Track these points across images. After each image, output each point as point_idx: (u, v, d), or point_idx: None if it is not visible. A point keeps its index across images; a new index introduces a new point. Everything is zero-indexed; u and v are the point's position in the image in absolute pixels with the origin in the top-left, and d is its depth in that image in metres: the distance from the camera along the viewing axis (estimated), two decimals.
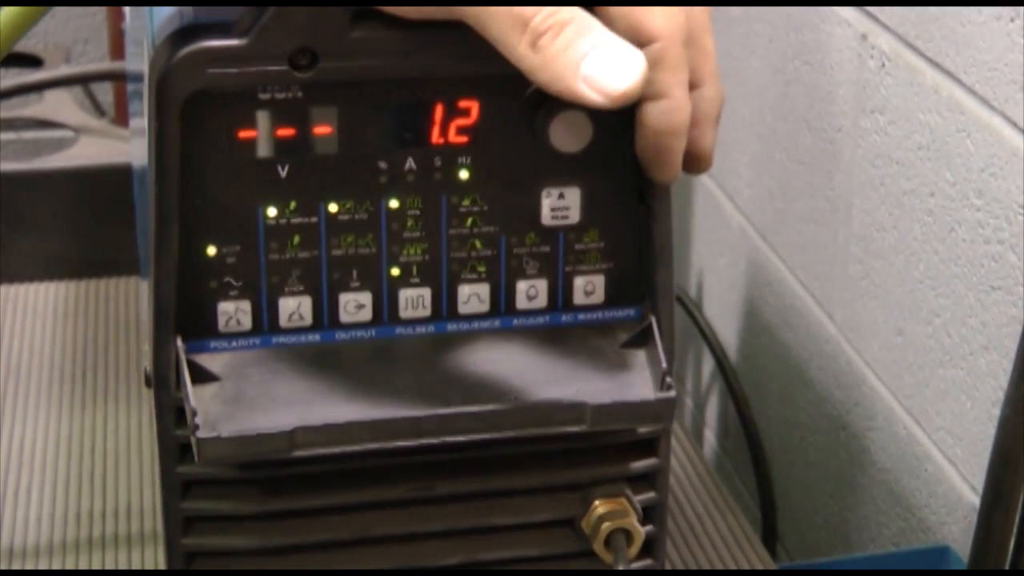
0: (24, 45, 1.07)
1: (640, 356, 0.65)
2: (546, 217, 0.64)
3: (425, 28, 0.59)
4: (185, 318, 0.62)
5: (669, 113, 0.60)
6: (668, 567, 0.87)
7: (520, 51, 0.56)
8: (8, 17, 0.64)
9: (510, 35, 0.56)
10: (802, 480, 1.21)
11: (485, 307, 0.65)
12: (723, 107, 0.64)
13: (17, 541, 0.91)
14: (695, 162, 0.63)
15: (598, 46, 0.56)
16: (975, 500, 0.93)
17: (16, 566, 0.89)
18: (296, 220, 0.62)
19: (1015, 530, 0.81)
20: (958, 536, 0.96)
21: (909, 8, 0.97)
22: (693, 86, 0.63)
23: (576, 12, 0.56)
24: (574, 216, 0.64)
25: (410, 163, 0.62)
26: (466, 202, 0.64)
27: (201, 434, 0.59)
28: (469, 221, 0.64)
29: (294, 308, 0.63)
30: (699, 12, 0.62)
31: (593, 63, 0.55)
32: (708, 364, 1.40)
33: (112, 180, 1.19)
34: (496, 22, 0.56)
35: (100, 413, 1.03)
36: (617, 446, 0.67)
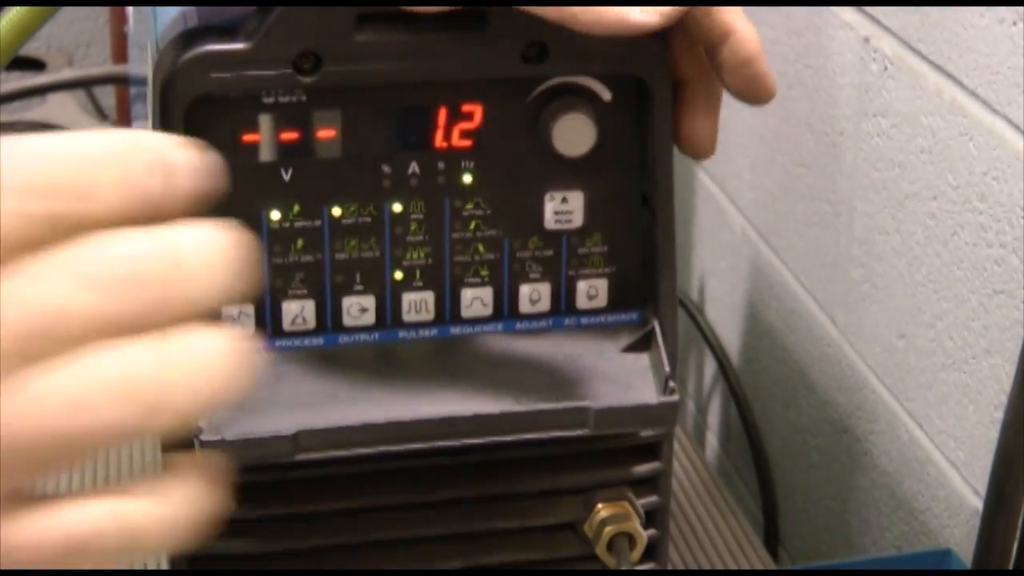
0: (26, 49, 1.08)
1: (643, 360, 0.65)
2: (549, 221, 0.64)
3: (437, 28, 0.58)
4: None
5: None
6: (670, 571, 0.87)
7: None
8: (15, 18, 0.64)
9: None
10: (804, 483, 1.21)
11: (488, 311, 0.65)
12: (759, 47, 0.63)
13: None
14: (760, 92, 0.62)
15: None
16: (978, 504, 0.93)
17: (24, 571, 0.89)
18: (299, 224, 0.62)
19: (1018, 534, 0.81)
20: (960, 540, 0.96)
21: (911, 11, 0.97)
22: (728, 34, 0.61)
23: None
24: (577, 220, 0.64)
25: (413, 167, 0.62)
26: (469, 206, 0.64)
27: (204, 437, 0.59)
28: (472, 225, 0.64)
29: (297, 311, 0.64)
30: None
31: None
32: (710, 367, 1.40)
33: None
34: None
35: None
36: (620, 450, 0.67)
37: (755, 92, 0.63)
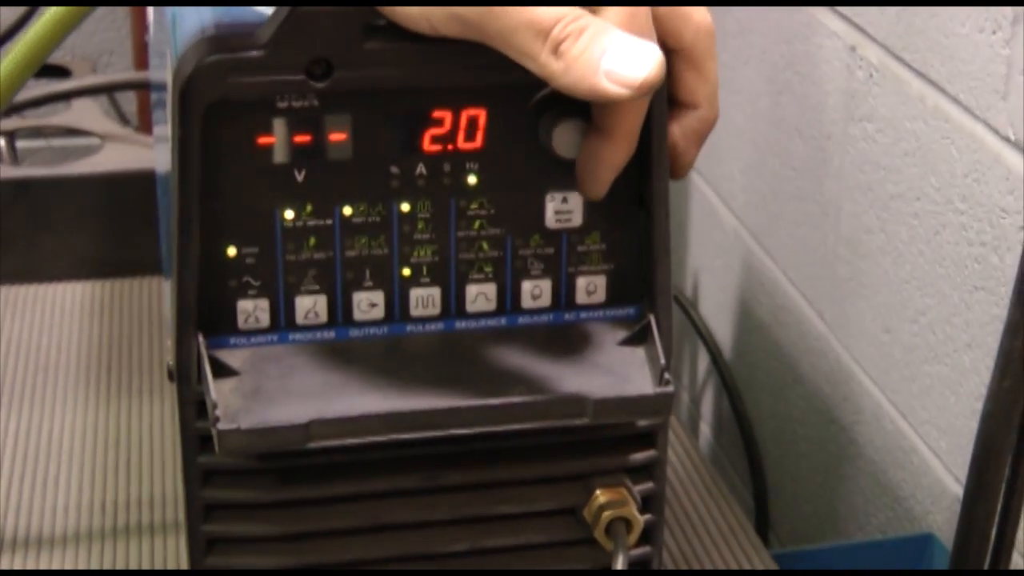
0: (52, 57, 1.08)
1: (639, 353, 0.65)
2: (550, 220, 0.64)
3: (440, 39, 0.58)
4: (206, 315, 0.62)
5: (695, 122, 0.63)
6: (665, 555, 0.87)
7: (543, 59, 0.56)
8: (54, 17, 0.63)
9: (531, 46, 0.56)
10: (793, 471, 1.21)
11: (492, 306, 0.65)
12: (713, 127, 0.64)
13: (46, 529, 0.91)
14: (676, 170, 0.64)
15: (614, 43, 0.55)
16: (959, 491, 0.92)
17: (44, 553, 0.89)
18: (312, 222, 0.62)
19: (997, 520, 0.81)
20: (943, 525, 0.96)
21: (896, 21, 0.97)
22: (692, 106, 0.63)
23: (590, 18, 0.56)
24: (577, 219, 0.64)
25: (421, 168, 0.62)
26: (474, 206, 0.64)
27: (221, 426, 0.59)
28: (476, 224, 0.64)
29: (310, 306, 0.64)
30: (704, 37, 0.62)
31: (612, 59, 0.55)
32: (703, 361, 1.39)
33: (136, 185, 1.19)
34: (517, 36, 0.56)
35: (124, 406, 1.03)
36: (617, 438, 0.67)
37: (673, 166, 0.64)
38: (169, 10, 0.65)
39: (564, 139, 0.62)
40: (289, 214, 0.62)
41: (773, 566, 0.89)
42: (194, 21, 0.60)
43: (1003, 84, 0.85)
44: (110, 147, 1.26)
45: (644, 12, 0.58)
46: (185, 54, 0.59)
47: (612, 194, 0.64)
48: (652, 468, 0.68)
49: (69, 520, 0.92)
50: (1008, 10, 0.84)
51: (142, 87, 1.43)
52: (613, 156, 0.61)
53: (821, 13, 1.08)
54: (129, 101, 1.62)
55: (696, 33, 0.62)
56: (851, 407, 1.09)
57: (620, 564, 0.66)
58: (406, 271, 0.64)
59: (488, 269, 0.65)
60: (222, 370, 0.62)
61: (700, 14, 0.62)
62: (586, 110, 0.61)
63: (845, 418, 1.10)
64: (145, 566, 0.88)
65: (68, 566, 0.88)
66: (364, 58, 0.59)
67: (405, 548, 0.66)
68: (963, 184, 0.91)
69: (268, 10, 0.59)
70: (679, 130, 0.63)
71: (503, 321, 0.66)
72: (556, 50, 0.55)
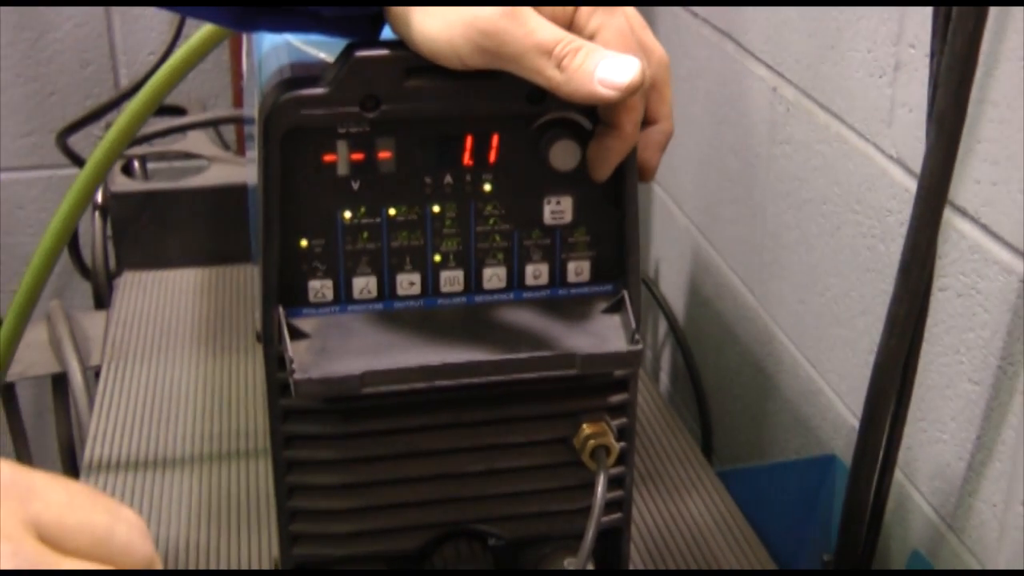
0: (171, 98, 1.06)
1: (616, 319, 0.64)
2: (547, 218, 0.63)
3: (465, 77, 0.57)
4: (285, 292, 0.61)
5: (656, 135, 0.61)
6: (635, 473, 0.86)
7: (549, 73, 0.55)
8: (201, 37, 0.61)
9: (538, 62, 0.55)
10: (730, 409, 1.19)
11: (503, 284, 0.64)
12: (671, 138, 0.62)
13: (169, 452, 0.91)
14: (644, 174, 0.62)
15: (605, 57, 0.55)
16: (855, 422, 0.91)
17: (168, 472, 0.89)
18: (365, 221, 0.61)
19: (884, 444, 0.80)
20: (843, 449, 0.95)
21: (807, 68, 0.96)
22: (654, 121, 0.62)
23: (582, 40, 0.55)
24: (567, 217, 0.63)
25: (448, 178, 0.61)
26: (489, 207, 0.62)
27: (296, 376, 0.58)
28: (491, 221, 0.63)
29: (364, 285, 0.62)
30: (663, 68, 0.61)
31: (604, 69, 0.54)
32: (663, 326, 1.38)
33: (235, 195, 1.19)
34: (528, 57, 0.55)
35: (225, 362, 1.02)
36: (599, 385, 0.66)
37: (641, 171, 0.62)
38: (256, 59, 0.63)
39: (559, 155, 0.61)
40: (347, 214, 0.61)
41: (717, 482, 0.88)
42: (274, 68, 0.59)
43: (888, 115, 0.84)
44: (216, 167, 1.26)
45: (631, 37, 0.57)
46: (267, 93, 0.58)
47: (595, 197, 0.63)
48: (625, 407, 0.66)
49: (187, 446, 0.91)
50: (892, 59, 0.83)
51: (239, 121, 1.42)
52: (619, 146, 0.59)
53: (750, 63, 1.06)
54: (230, 132, 1.60)
55: (658, 65, 0.61)
56: (774, 360, 1.08)
57: (601, 481, 0.64)
58: (437, 258, 0.63)
59: (500, 256, 0.63)
60: (297, 334, 0.61)
61: (660, 50, 0.61)
62: (578, 132, 0.60)
63: (769, 368, 1.09)
64: (242, 482, 0.87)
65: (185, 481, 0.87)
66: (405, 94, 0.58)
67: (435, 469, 0.65)
68: (858, 191, 0.89)
69: (330, 56, 0.58)
70: (645, 141, 0.62)
71: (511, 296, 0.64)
72: (559, 65, 0.54)
